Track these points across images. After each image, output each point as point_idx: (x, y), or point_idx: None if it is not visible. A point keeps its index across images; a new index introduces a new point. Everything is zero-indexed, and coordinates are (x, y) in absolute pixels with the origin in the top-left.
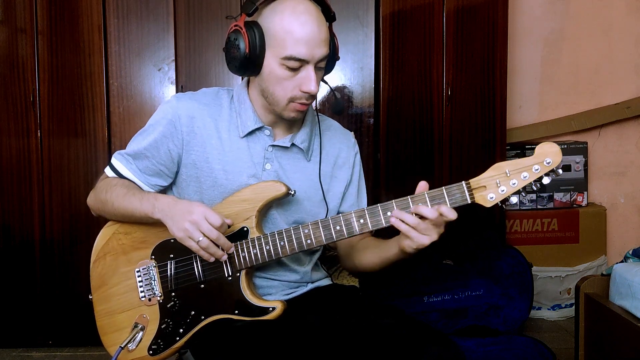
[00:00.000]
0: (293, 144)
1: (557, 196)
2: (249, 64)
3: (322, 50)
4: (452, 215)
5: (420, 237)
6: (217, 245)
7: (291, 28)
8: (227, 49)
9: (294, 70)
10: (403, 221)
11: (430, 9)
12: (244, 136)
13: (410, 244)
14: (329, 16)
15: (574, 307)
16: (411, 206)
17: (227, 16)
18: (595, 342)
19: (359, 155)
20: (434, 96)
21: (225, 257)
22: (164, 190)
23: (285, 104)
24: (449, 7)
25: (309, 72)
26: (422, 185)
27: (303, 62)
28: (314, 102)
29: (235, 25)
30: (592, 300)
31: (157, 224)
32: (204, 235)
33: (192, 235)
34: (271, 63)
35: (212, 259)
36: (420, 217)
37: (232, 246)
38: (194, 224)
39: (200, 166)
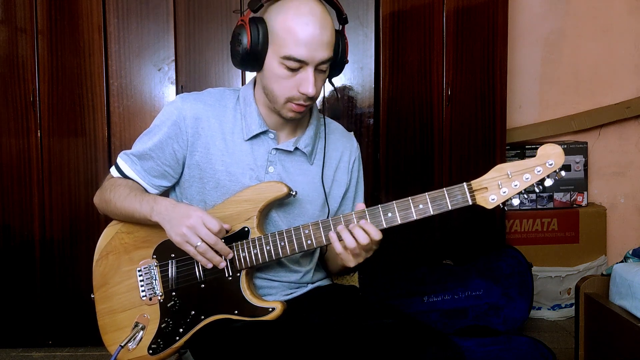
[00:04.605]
0: (296, 148)
1: (557, 196)
2: (249, 59)
3: (323, 53)
4: (377, 236)
5: (349, 259)
6: (216, 252)
7: (293, 28)
8: (231, 43)
9: (294, 70)
10: (344, 241)
11: (430, 9)
12: (248, 139)
13: (339, 261)
14: (341, 18)
15: (574, 307)
16: (412, 207)
17: (234, 10)
18: (595, 342)
19: (359, 159)
20: (434, 96)
21: (223, 264)
22: (167, 191)
23: (283, 103)
24: (449, 7)
25: (308, 73)
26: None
27: (302, 63)
28: (316, 103)
29: (241, 20)
30: (592, 300)
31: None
32: (202, 241)
33: (190, 240)
34: (272, 61)
35: (209, 265)
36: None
37: (231, 252)
38: (192, 228)
39: (203, 167)
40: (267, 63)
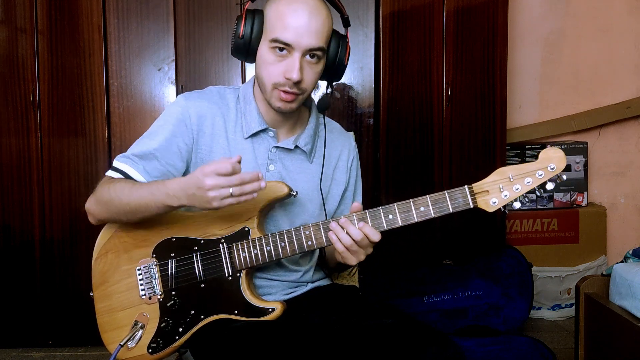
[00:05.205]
0: (297, 146)
1: (557, 196)
2: (242, 48)
3: (310, 40)
4: (376, 237)
5: (350, 257)
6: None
7: (283, 13)
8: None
9: (281, 55)
10: (340, 240)
11: (430, 9)
12: (248, 137)
13: (340, 259)
14: (344, 19)
15: (574, 307)
16: (413, 209)
17: (237, 3)
18: (595, 342)
19: (357, 158)
20: (434, 96)
21: (263, 183)
22: None
23: (271, 90)
24: (449, 7)
25: (294, 58)
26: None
27: (289, 47)
28: (315, 101)
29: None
30: (592, 300)
31: (159, 222)
32: (230, 186)
33: (223, 196)
34: (263, 46)
35: (255, 195)
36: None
37: (259, 172)
38: (213, 188)
39: None
40: (258, 51)
